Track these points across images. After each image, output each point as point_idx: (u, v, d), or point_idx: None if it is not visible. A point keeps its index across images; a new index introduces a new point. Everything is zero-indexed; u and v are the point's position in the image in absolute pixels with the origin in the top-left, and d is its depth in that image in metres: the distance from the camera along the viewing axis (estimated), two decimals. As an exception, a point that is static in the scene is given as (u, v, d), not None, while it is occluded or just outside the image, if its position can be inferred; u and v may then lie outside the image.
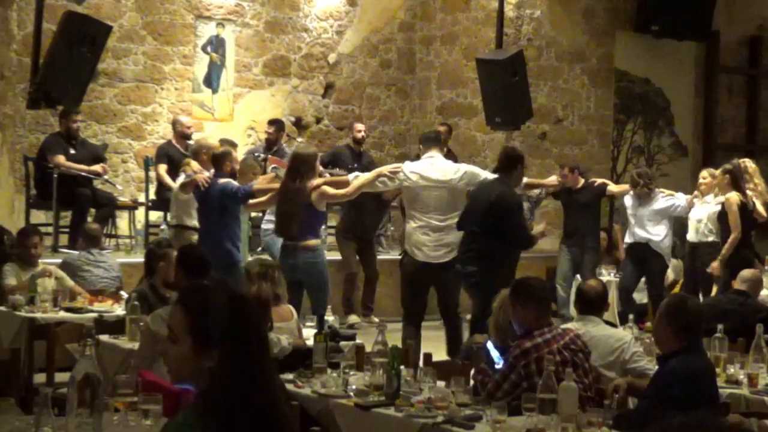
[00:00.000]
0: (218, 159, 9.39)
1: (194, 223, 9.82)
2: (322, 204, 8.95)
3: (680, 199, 11.10)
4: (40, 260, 8.99)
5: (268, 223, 11.05)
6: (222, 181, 9.13)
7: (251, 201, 9.26)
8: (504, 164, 8.75)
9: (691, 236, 10.94)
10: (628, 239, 11.39)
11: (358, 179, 9.10)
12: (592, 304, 6.40)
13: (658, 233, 11.05)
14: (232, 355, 2.88)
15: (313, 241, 8.85)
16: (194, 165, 9.74)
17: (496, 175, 8.77)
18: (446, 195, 8.78)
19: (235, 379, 2.88)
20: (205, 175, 9.32)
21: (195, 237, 9.67)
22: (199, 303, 2.95)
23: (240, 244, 9.29)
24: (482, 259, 8.38)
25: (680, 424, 2.15)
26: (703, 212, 10.78)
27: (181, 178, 9.81)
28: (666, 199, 11.16)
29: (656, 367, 5.56)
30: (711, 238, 10.67)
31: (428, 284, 8.95)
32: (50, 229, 11.15)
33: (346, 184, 9.13)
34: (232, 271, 8.78)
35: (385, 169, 9.16)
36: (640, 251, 11.13)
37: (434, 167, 8.86)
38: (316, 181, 8.88)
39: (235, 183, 9.20)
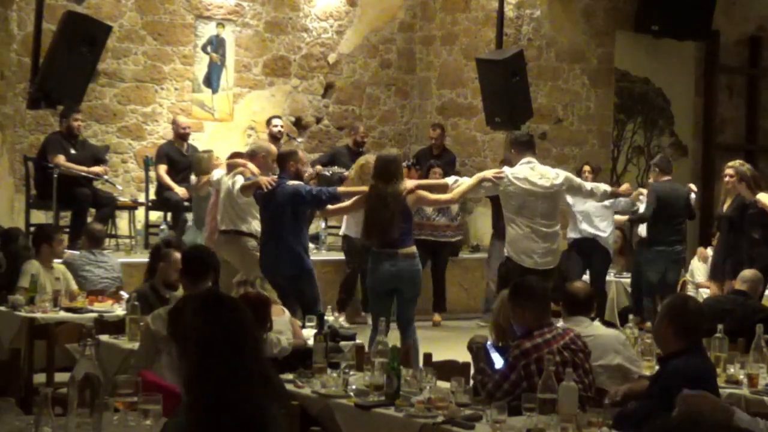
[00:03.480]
0: (282, 159, 8.87)
1: (250, 228, 9.35)
2: (415, 208, 8.69)
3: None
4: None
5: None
6: (292, 183, 8.60)
7: (331, 206, 8.78)
8: (665, 168, 11.26)
9: None
10: (573, 234, 11.47)
11: (461, 185, 8.75)
12: (580, 304, 6.40)
13: (604, 229, 11.22)
14: (203, 360, 2.88)
15: (413, 248, 8.39)
16: (251, 167, 9.27)
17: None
18: (551, 201, 8.74)
19: (206, 383, 2.86)
20: (269, 177, 8.81)
21: (251, 243, 9.27)
22: (176, 309, 2.98)
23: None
24: (684, 240, 11.20)
25: (676, 423, 2.15)
26: None
27: (240, 180, 9.24)
28: None
29: (656, 367, 5.55)
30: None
31: None
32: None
33: (444, 187, 8.81)
34: (304, 277, 8.47)
35: (489, 173, 8.87)
36: (586, 246, 11.28)
37: (536, 173, 8.75)
38: (411, 183, 8.51)
39: (306, 185, 8.77)
